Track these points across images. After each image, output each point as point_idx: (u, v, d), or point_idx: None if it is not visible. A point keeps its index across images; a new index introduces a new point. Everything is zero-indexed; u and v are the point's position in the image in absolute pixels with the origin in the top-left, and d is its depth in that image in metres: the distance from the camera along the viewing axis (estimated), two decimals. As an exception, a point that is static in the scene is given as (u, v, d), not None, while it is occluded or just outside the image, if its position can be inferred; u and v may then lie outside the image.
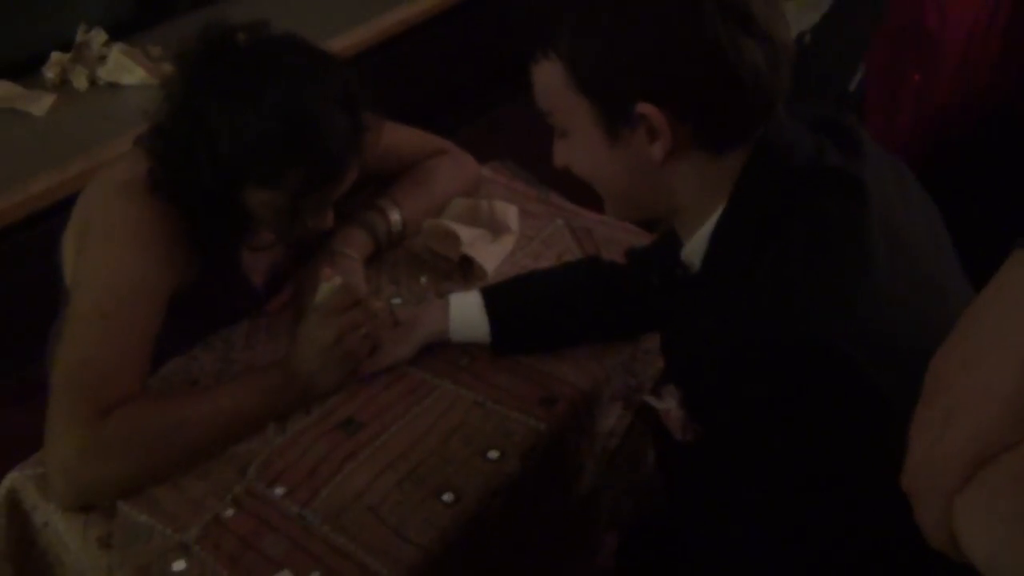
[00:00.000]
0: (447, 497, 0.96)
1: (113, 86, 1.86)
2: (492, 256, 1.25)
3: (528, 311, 1.10)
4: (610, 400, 1.13)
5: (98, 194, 1.02)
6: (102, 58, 1.88)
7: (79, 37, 1.90)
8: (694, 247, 0.76)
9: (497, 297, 1.10)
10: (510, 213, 1.30)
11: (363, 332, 1.04)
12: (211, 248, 1.05)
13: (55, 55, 1.87)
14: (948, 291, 0.69)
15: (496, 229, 1.28)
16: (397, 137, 1.21)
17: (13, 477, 0.98)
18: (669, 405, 0.82)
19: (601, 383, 1.10)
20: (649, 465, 1.20)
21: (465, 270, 1.24)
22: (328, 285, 1.03)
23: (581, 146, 0.74)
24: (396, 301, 1.21)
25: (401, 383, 1.09)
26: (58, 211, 1.30)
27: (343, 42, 1.93)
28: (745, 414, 0.64)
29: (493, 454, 0.99)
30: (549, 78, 0.72)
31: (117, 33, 1.94)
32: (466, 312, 1.10)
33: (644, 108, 0.68)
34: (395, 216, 1.23)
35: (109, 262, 0.97)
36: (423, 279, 1.25)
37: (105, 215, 0.99)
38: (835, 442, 0.60)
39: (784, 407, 0.60)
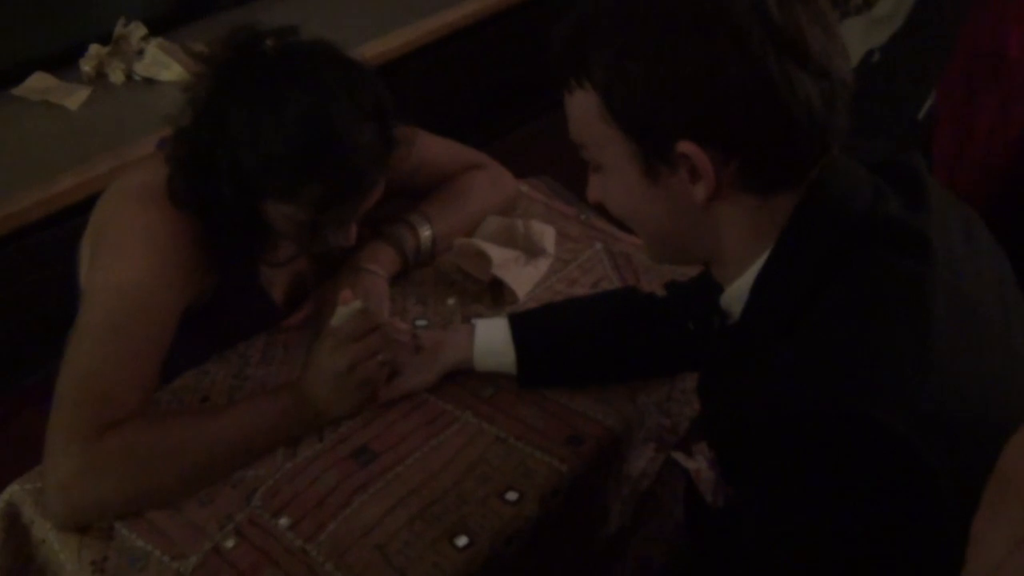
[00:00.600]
0: (460, 541, 0.93)
1: (149, 82, 1.85)
2: (524, 280, 1.23)
3: (558, 341, 1.07)
4: (643, 441, 1.11)
5: (114, 199, 1.01)
6: (140, 52, 1.87)
7: (117, 30, 1.88)
8: (734, 294, 0.73)
9: (526, 325, 1.08)
10: (547, 234, 1.28)
11: (380, 359, 1.02)
12: (229, 260, 1.04)
13: (93, 47, 1.86)
14: (1022, 359, 0.66)
15: (531, 251, 1.26)
16: (431, 149, 1.20)
17: (13, 490, 0.97)
18: (699, 465, 0.79)
19: (633, 423, 1.07)
20: (681, 512, 1.17)
21: (495, 293, 1.23)
22: (346, 308, 1.01)
23: (617, 183, 0.71)
24: (421, 323, 1.20)
25: (419, 412, 1.07)
26: (83, 209, 1.25)
27: (376, 48, 1.91)
28: (780, 485, 0.59)
29: (511, 496, 0.97)
30: (583, 110, 0.69)
31: (157, 27, 1.92)
32: (492, 339, 1.07)
33: (685, 147, 0.65)
34: (425, 232, 1.21)
35: (121, 271, 0.95)
36: (451, 301, 1.23)
37: (119, 222, 0.98)
38: (879, 529, 0.55)
39: (822, 483, 0.56)
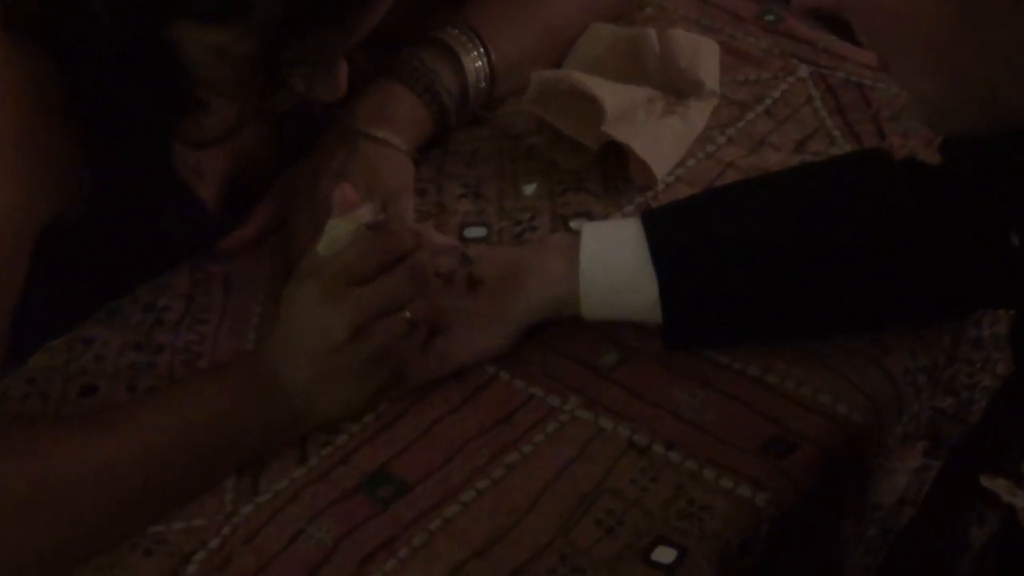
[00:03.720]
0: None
1: None
2: (666, 144, 1.15)
3: (739, 261, 1.02)
4: (903, 442, 1.05)
5: None
6: None
7: None
8: None
9: (674, 232, 1.02)
10: (704, 55, 1.19)
11: (407, 315, 0.96)
12: (117, 138, 0.99)
13: None
14: None
15: (676, 88, 1.18)
16: None
17: None
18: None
19: (886, 410, 1.01)
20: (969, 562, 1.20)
21: (611, 171, 1.16)
22: (341, 222, 0.95)
23: None
24: (476, 234, 1.13)
25: (482, 403, 1.01)
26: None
27: None
28: None
29: (664, 555, 0.91)
30: None
31: None
32: (612, 261, 1.03)
33: None
34: (476, 62, 1.17)
35: None
36: (528, 188, 1.17)
37: None
38: None
39: None
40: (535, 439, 0.99)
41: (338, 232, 0.97)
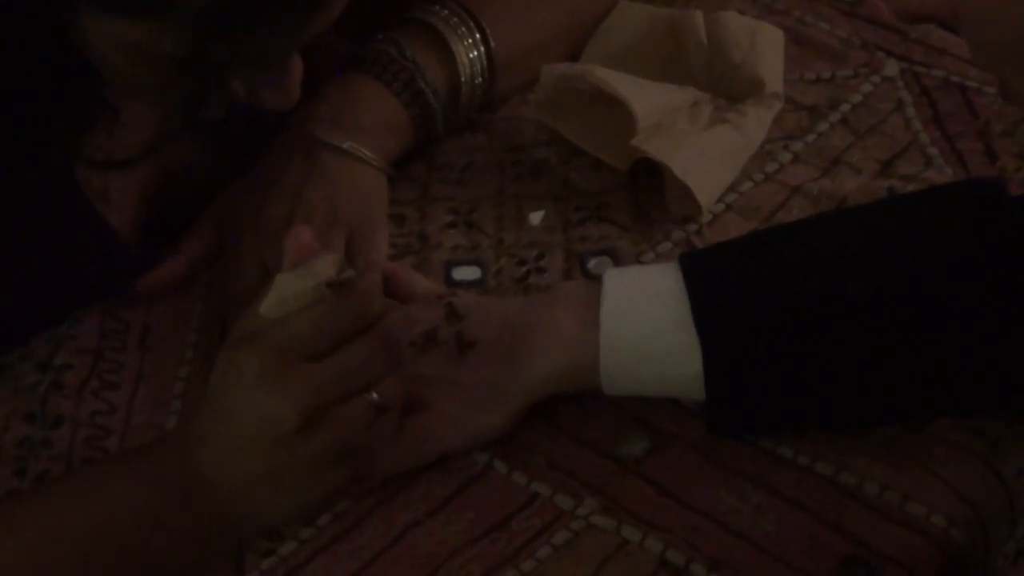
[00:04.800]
0: None
1: None
2: (714, 162, 1.14)
3: (807, 323, 1.01)
4: (1015, 561, 1.04)
5: None
6: None
7: None
8: None
9: (725, 283, 1.02)
10: (762, 45, 1.18)
11: (372, 397, 0.95)
12: (6, 150, 1.00)
13: None
14: None
15: (728, 88, 1.18)
16: None
17: None
18: None
19: (995, 519, 1.00)
20: None
21: (644, 197, 1.16)
22: (292, 277, 0.94)
23: None
24: (468, 277, 1.13)
25: (471, 502, 1.00)
26: None
27: None
28: None
29: None
30: None
31: None
32: (644, 320, 1.02)
33: None
34: (469, 52, 1.17)
35: None
36: (536, 218, 1.16)
37: None
38: None
39: None
40: (539, 553, 0.97)
41: (290, 291, 0.95)
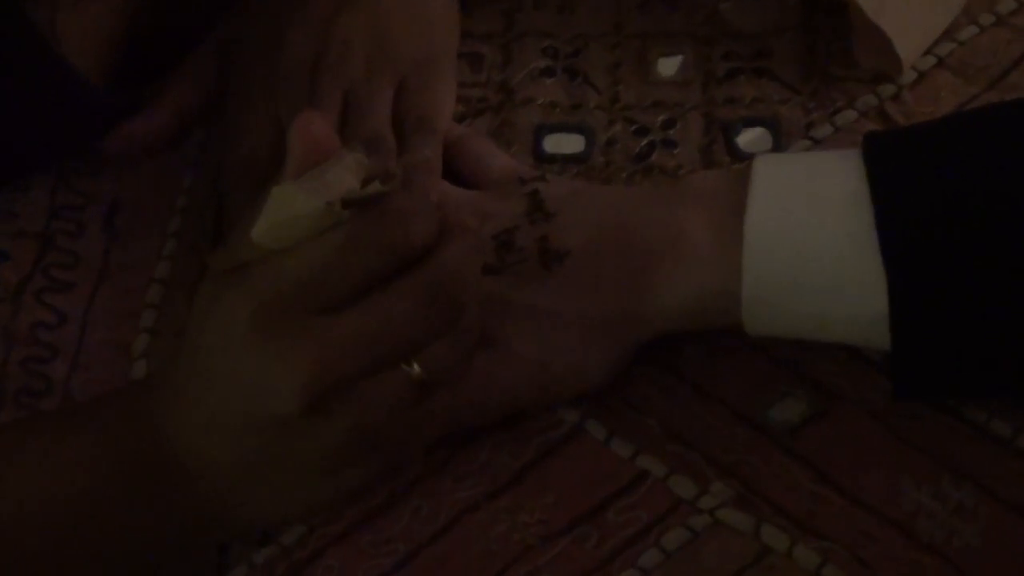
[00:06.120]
0: None
1: None
2: (921, 2, 1.11)
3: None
4: None
5: None
6: None
7: None
8: None
9: (926, 182, 0.96)
10: None
11: (414, 371, 0.89)
12: None
13: None
14: None
15: None
16: None
17: None
18: None
19: None
20: None
21: (822, 42, 1.14)
22: (296, 190, 0.88)
23: None
24: (566, 150, 1.10)
25: (554, 478, 0.96)
26: None
27: None
28: None
29: None
30: None
31: None
32: (808, 232, 0.96)
33: None
34: None
35: None
36: (668, 65, 1.14)
37: None
38: None
39: None
40: (643, 560, 0.90)
41: (292, 210, 0.84)
